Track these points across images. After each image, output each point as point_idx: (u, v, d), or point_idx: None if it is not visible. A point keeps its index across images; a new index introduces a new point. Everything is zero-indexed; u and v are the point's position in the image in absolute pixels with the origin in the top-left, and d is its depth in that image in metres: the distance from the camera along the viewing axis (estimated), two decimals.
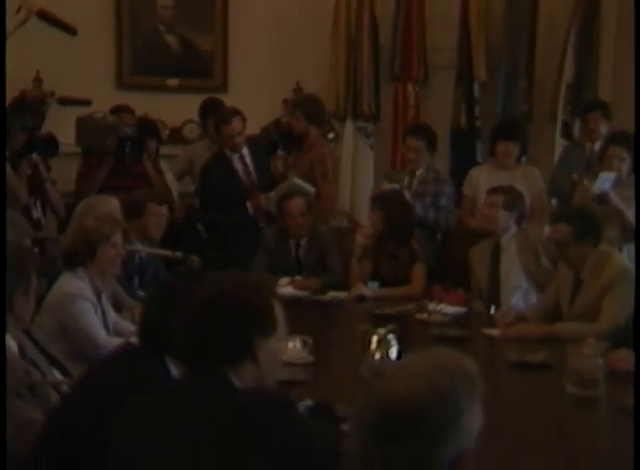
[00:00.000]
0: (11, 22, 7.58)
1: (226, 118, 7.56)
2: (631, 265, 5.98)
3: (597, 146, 7.41)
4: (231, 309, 2.75)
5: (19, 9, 7.62)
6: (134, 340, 3.63)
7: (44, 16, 7.78)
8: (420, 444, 2.01)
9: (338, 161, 8.90)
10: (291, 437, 2.60)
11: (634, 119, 5.77)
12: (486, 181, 7.24)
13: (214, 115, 7.83)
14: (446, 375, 2.06)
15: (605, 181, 6.79)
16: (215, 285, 2.91)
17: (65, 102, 8.45)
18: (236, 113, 7.64)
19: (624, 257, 6.18)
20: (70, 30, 7.94)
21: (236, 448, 2.55)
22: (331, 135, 8.54)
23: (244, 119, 7.59)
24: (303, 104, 8.19)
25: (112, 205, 5.91)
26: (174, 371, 2.99)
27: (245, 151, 7.64)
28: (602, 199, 6.71)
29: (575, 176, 7.18)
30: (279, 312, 2.86)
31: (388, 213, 6.84)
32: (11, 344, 3.85)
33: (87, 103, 8.41)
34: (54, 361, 4.38)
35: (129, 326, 5.15)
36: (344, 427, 2.87)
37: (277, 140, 7.88)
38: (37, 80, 8.62)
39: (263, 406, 2.69)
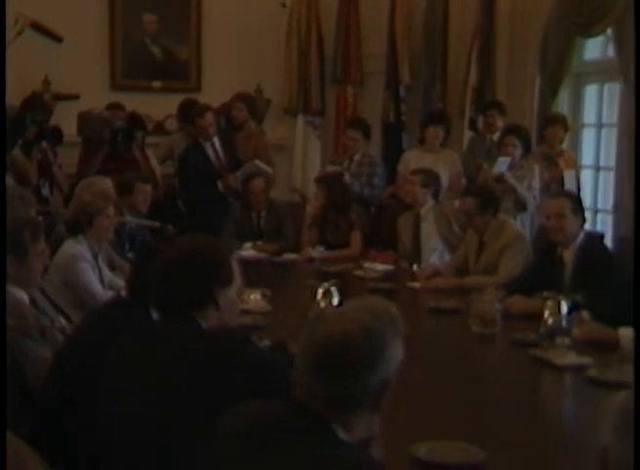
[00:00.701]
0: (10, 32, 7.51)
1: (200, 113, 7.54)
2: (523, 231, 6.02)
3: (495, 136, 7.49)
4: (195, 264, 2.77)
5: (16, 21, 7.54)
6: (124, 293, 3.61)
7: (37, 27, 7.70)
8: (354, 373, 2.00)
9: (291, 148, 8.97)
10: (247, 364, 2.63)
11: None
12: (416, 162, 7.26)
13: (190, 111, 7.78)
14: (375, 318, 2.06)
15: (502, 164, 6.90)
16: (183, 245, 2.94)
17: (59, 97, 8.39)
18: (208, 108, 7.64)
19: (517, 224, 6.22)
20: (58, 39, 7.86)
21: (203, 376, 2.55)
22: None
23: (214, 114, 7.58)
24: (246, 98, 8.21)
25: (106, 184, 5.87)
26: (155, 316, 2.97)
27: (215, 139, 7.60)
28: (500, 179, 6.80)
29: (479, 161, 7.27)
30: (235, 267, 2.87)
31: (331, 191, 6.86)
32: (23, 296, 3.84)
33: (76, 97, 8.44)
34: (60, 310, 4.34)
35: (121, 282, 5.11)
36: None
37: (224, 126, 7.84)
38: (46, 82, 8.55)
39: (224, 341, 2.72)
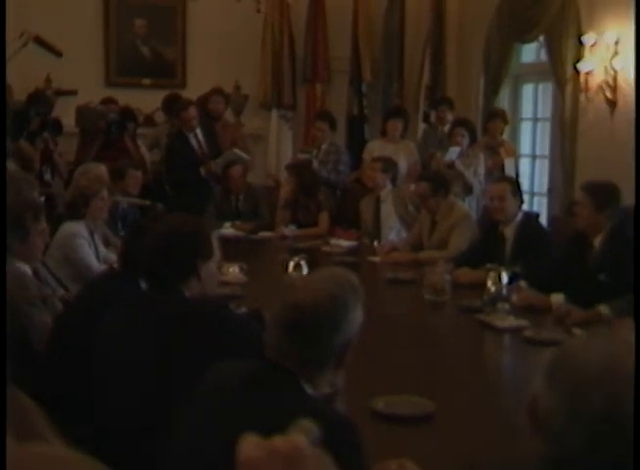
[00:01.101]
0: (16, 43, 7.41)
1: (184, 107, 7.47)
2: (470, 211, 6.04)
3: (446, 128, 7.48)
4: (180, 240, 2.77)
5: (21, 34, 7.43)
6: (116, 266, 3.60)
7: (39, 41, 7.59)
8: (320, 335, 2.00)
9: (266, 138, 8.94)
10: (225, 328, 2.65)
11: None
12: (379, 151, 7.24)
13: (174, 105, 7.74)
14: (339, 286, 2.06)
15: (452, 153, 6.93)
16: (169, 223, 2.93)
17: (60, 93, 8.29)
18: (191, 103, 7.59)
19: (465, 205, 6.23)
20: (58, 53, 7.73)
21: (187, 339, 2.56)
22: None
23: (196, 108, 7.53)
24: (223, 92, 8.18)
25: (101, 169, 5.79)
26: (143, 287, 2.96)
27: (197, 130, 7.53)
28: (450, 165, 6.83)
29: (432, 150, 7.29)
30: (214, 242, 2.86)
31: (301, 176, 6.84)
32: (26, 269, 3.83)
33: (74, 93, 8.31)
34: (60, 282, 4.34)
35: (114, 257, 5.07)
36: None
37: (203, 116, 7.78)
38: (48, 80, 8.44)
39: (205, 308, 2.74)
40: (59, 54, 7.70)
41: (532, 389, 1.51)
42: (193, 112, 7.43)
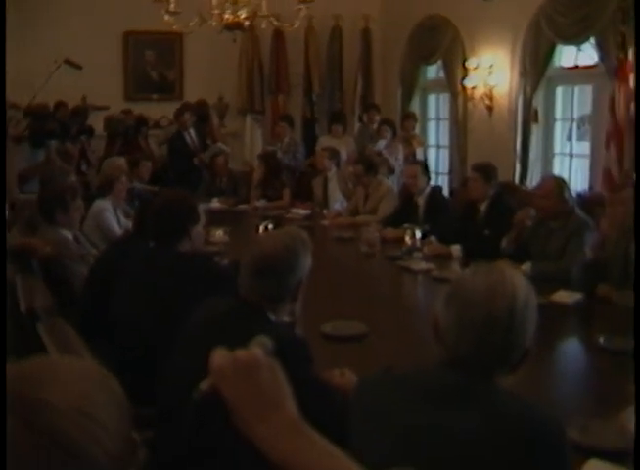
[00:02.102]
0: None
1: (181, 113, 7.43)
2: (393, 186, 5.99)
3: (374, 126, 7.41)
4: (175, 209, 2.72)
5: (55, 60, 7.41)
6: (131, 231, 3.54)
7: (68, 62, 7.51)
8: (279, 275, 1.97)
9: (242, 135, 8.86)
10: (210, 273, 2.65)
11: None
12: (326, 143, 7.14)
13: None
14: (291, 239, 2.03)
15: (379, 145, 6.89)
16: (166, 197, 2.87)
17: (97, 108, 8.04)
18: (187, 109, 7.55)
19: (389, 182, 6.16)
20: (79, 67, 7.64)
21: (182, 283, 2.53)
22: None
23: (190, 114, 7.45)
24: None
25: (121, 161, 5.67)
26: (151, 245, 2.91)
27: (191, 130, 7.44)
28: (378, 154, 6.77)
29: (365, 143, 7.27)
30: (200, 210, 2.82)
31: (269, 163, 6.76)
32: (68, 235, 3.84)
33: (107, 108, 8.08)
34: (93, 243, 4.29)
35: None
36: None
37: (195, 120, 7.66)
38: (83, 99, 8.09)
39: (195, 259, 2.71)
40: (79, 67, 7.60)
41: (435, 311, 1.50)
42: (187, 116, 7.36)
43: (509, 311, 1.39)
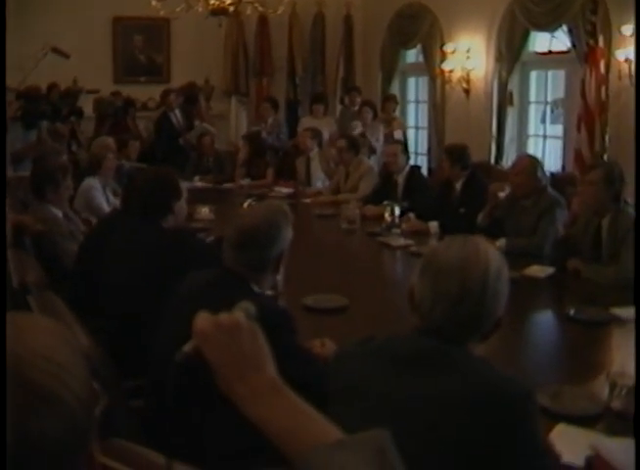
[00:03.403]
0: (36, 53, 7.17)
1: (167, 94, 7.36)
2: (373, 165, 5.94)
3: (356, 108, 7.31)
4: (159, 185, 2.68)
5: (42, 47, 7.17)
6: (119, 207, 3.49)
7: (55, 50, 7.29)
8: (260, 247, 1.95)
9: (228, 116, 8.76)
10: (194, 248, 2.62)
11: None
12: (308, 124, 7.02)
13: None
14: (272, 212, 2.01)
15: (356, 127, 6.78)
16: (151, 174, 2.83)
17: (88, 91, 7.89)
18: (172, 91, 7.46)
19: (370, 161, 6.10)
20: (67, 56, 7.39)
21: (166, 257, 2.50)
22: None
23: (176, 95, 7.36)
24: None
25: (109, 140, 5.53)
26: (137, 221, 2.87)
27: (177, 111, 7.35)
28: (361, 134, 6.69)
29: (347, 124, 7.16)
30: (183, 187, 2.77)
31: (253, 143, 6.69)
32: (58, 212, 3.78)
33: (97, 91, 7.94)
34: (83, 220, 4.23)
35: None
36: None
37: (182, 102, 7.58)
38: (74, 81, 7.95)
39: (180, 235, 2.67)
40: (67, 56, 7.39)
41: (411, 282, 1.48)
42: (172, 97, 7.30)
43: (482, 282, 1.38)
